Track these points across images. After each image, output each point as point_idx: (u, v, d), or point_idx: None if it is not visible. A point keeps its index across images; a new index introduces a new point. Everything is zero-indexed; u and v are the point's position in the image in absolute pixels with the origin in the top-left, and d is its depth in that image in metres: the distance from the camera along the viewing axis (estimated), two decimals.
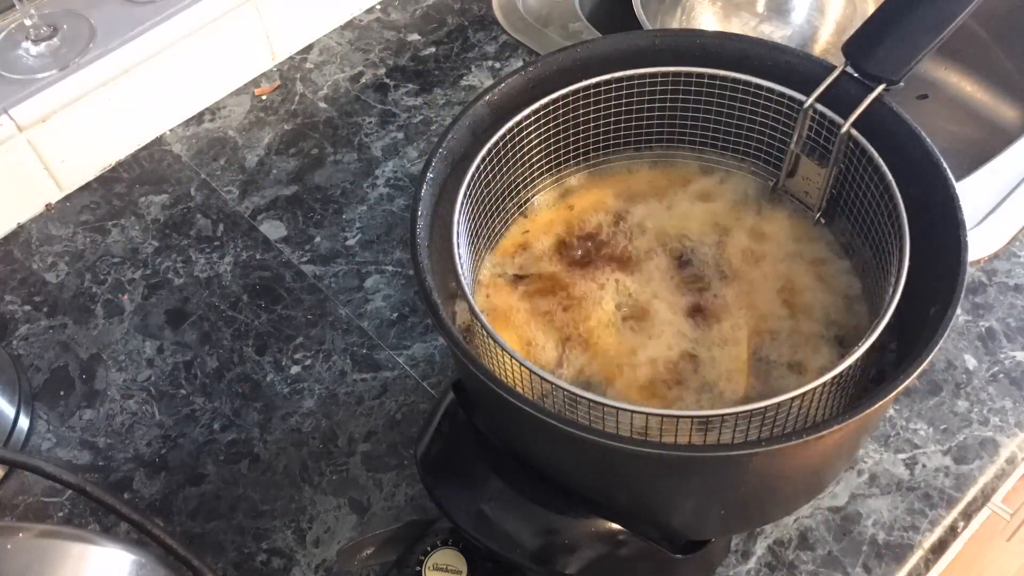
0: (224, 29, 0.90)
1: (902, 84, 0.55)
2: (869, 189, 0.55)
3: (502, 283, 0.61)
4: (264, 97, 0.95)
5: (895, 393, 0.45)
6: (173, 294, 0.80)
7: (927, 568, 0.64)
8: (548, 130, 0.61)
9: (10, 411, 0.72)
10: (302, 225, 0.84)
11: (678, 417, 0.46)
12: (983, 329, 0.73)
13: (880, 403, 0.45)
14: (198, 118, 0.93)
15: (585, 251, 0.62)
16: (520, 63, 0.96)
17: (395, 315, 0.77)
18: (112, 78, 0.85)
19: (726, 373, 0.56)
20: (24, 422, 0.72)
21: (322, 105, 0.93)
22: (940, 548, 0.64)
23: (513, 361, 0.48)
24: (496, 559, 0.57)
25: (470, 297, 0.50)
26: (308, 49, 0.99)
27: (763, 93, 0.59)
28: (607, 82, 0.59)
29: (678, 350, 0.57)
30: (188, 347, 0.76)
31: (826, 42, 1.07)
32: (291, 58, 0.98)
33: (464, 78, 0.95)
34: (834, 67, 0.57)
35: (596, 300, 0.60)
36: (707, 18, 1.08)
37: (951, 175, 0.52)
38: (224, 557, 0.65)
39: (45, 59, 0.84)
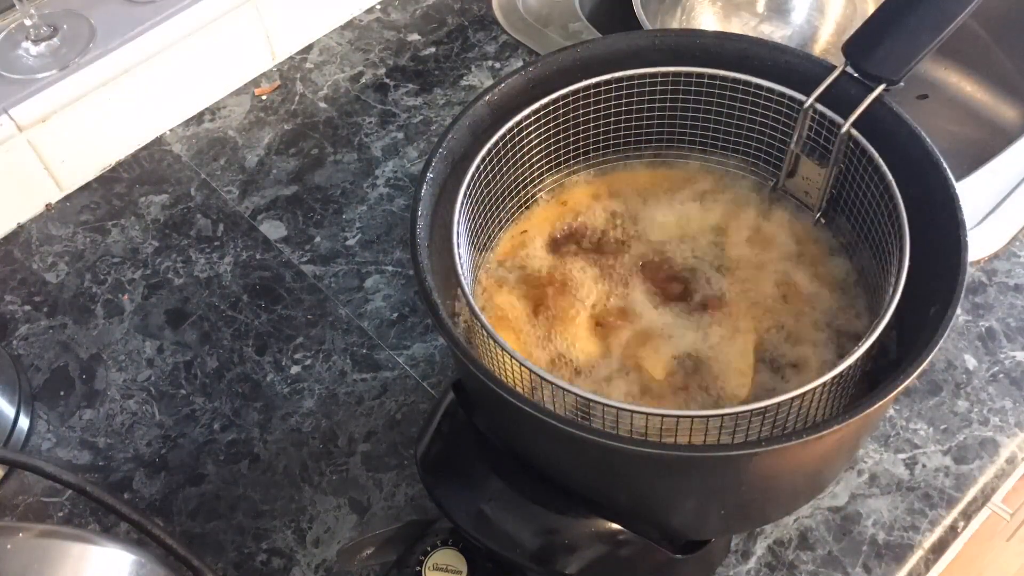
0: (224, 29, 0.90)
1: (902, 84, 0.55)
2: (869, 189, 0.55)
3: (502, 283, 0.61)
4: (264, 97, 0.94)
5: (895, 393, 0.45)
6: (173, 294, 0.80)
7: (927, 568, 0.64)
8: (548, 130, 0.61)
9: (10, 411, 0.72)
10: (302, 225, 0.84)
11: (678, 417, 0.46)
12: (983, 329, 0.73)
13: (880, 403, 0.45)
14: (198, 118, 0.93)
15: (585, 251, 0.62)
16: (520, 63, 0.96)
17: (395, 315, 0.77)
18: (112, 78, 0.85)
19: (726, 373, 0.56)
20: (24, 422, 0.72)
21: (322, 105, 0.93)
22: (940, 548, 0.64)
23: (513, 361, 0.48)
24: (496, 559, 0.57)
25: (470, 297, 0.50)
26: (308, 49, 0.99)
27: (763, 93, 0.58)
28: (607, 82, 0.59)
29: (678, 350, 0.57)
30: (188, 347, 0.76)
31: (826, 42, 1.07)
32: (291, 58, 0.98)
33: (464, 78, 0.95)
34: (834, 67, 0.57)
35: (596, 300, 0.60)
36: (707, 18, 1.08)
37: (951, 175, 0.52)
38: (224, 557, 0.65)
39: (45, 59, 0.84)
